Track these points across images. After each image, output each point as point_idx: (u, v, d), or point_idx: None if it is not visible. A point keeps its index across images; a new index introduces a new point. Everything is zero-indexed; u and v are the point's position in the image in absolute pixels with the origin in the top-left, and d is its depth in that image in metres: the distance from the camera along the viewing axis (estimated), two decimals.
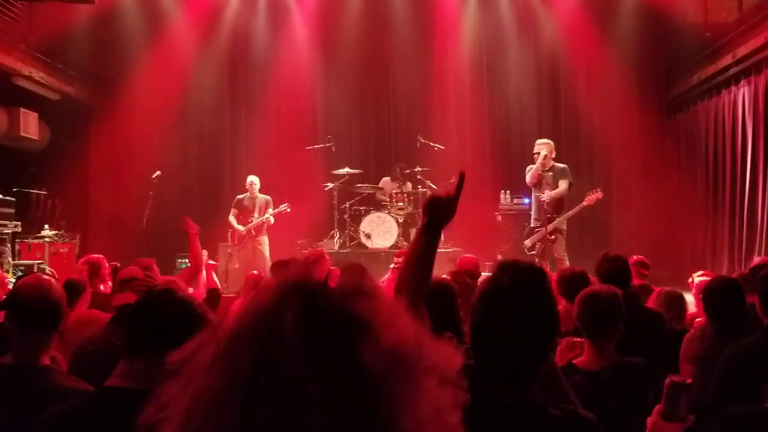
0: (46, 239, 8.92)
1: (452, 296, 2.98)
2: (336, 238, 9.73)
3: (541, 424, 1.50)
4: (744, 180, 8.73)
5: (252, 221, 8.93)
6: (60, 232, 9.34)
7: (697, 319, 3.94)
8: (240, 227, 8.98)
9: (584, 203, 7.95)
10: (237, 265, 8.98)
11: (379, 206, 9.88)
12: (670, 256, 9.88)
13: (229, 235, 9.14)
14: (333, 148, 10.21)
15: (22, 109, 9.27)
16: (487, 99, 11.45)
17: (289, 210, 8.98)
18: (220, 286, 5.62)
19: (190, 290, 4.14)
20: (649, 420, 1.82)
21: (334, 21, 11.17)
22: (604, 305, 2.62)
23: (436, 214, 1.85)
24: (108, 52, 10.92)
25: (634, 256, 5.12)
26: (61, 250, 8.92)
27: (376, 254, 9.13)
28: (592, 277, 3.86)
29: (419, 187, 9.79)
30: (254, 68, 11.45)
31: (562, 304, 3.42)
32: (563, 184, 7.89)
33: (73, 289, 3.59)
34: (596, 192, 7.93)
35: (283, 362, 0.73)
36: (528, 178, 8.00)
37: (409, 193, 9.78)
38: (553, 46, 11.18)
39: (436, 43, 11.30)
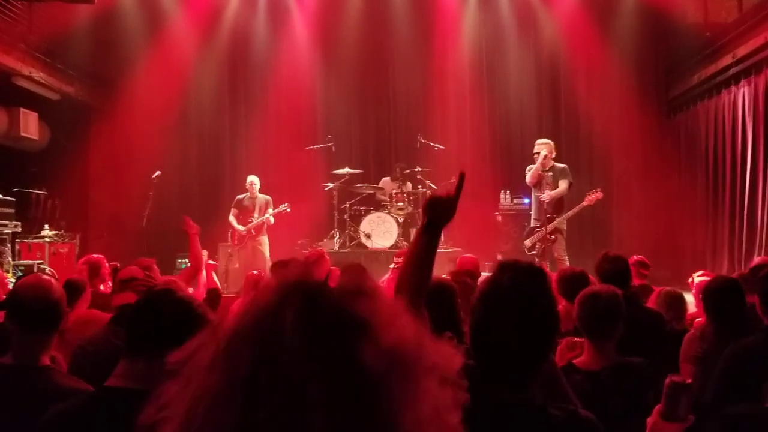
0: (46, 239, 8.92)
1: (452, 296, 2.98)
2: (336, 238, 9.73)
3: (541, 424, 1.50)
4: (744, 180, 8.73)
5: (252, 221, 8.93)
6: (60, 232, 9.34)
7: (697, 319, 3.94)
8: (240, 227, 8.97)
9: (584, 203, 7.95)
10: (237, 265, 8.98)
11: (379, 206, 9.88)
12: (670, 256, 9.88)
13: (229, 235, 9.14)
14: (333, 148, 10.21)
15: (22, 109, 9.27)
16: (487, 99, 11.45)
17: (289, 210, 8.98)
18: (220, 286, 5.62)
19: (190, 290, 4.14)
20: (649, 420, 1.82)
21: (334, 21, 11.17)
22: (604, 305, 2.62)
23: (436, 214, 1.84)
24: (108, 52, 10.92)
25: (634, 256, 5.12)
26: (61, 250, 8.93)
27: (376, 254, 9.13)
28: (592, 277, 3.86)
29: (419, 187, 9.78)
30: (254, 68, 11.45)
31: (562, 304, 3.42)
32: (563, 184, 7.89)
33: (73, 289, 3.59)
34: (596, 192, 7.93)
35: (283, 362, 0.73)
36: (528, 178, 8.00)
37: (409, 193, 9.78)
38: (553, 46, 11.18)
39: (436, 43, 11.30)
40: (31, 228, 9.32)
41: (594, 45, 10.87)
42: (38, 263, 8.24)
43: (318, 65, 11.40)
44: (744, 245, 8.70)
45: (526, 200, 9.36)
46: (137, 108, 10.76)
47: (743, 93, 8.90)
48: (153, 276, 3.49)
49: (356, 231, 9.60)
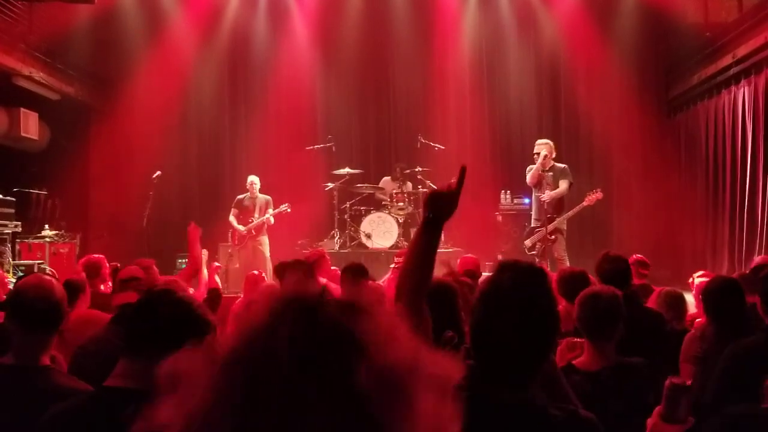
0: (47, 239, 8.92)
1: (453, 296, 2.97)
2: (336, 238, 9.74)
3: (541, 424, 1.50)
4: (744, 180, 8.73)
5: (252, 221, 8.93)
6: (60, 232, 9.35)
7: (698, 320, 3.94)
8: (240, 227, 8.97)
9: (584, 203, 7.95)
10: (237, 265, 8.98)
11: (379, 206, 9.88)
12: (670, 256, 9.88)
13: (230, 235, 9.14)
14: (333, 148, 10.21)
15: (22, 109, 9.27)
16: (487, 99, 11.45)
17: (289, 210, 8.98)
18: (221, 287, 5.62)
19: (191, 291, 4.14)
20: (649, 421, 1.82)
21: (334, 21, 11.17)
22: (604, 306, 2.62)
23: (438, 209, 1.83)
24: (108, 52, 10.92)
25: (634, 256, 5.11)
26: (61, 250, 8.93)
27: (377, 254, 9.13)
28: (592, 277, 3.86)
29: (419, 187, 9.78)
30: (254, 68, 11.45)
31: (562, 305, 3.42)
32: (563, 184, 7.89)
33: (72, 289, 3.59)
34: (596, 192, 7.94)
35: (277, 381, 0.72)
36: (528, 178, 8.00)
37: (409, 193, 9.78)
38: (553, 46, 11.17)
39: (436, 43, 11.30)
40: (32, 228, 9.32)
41: (594, 45, 10.86)
42: (38, 263, 8.24)
43: (318, 65, 11.40)
44: (744, 245, 8.70)
45: (527, 200, 9.37)
46: (137, 108, 10.76)
47: (743, 93, 8.90)
48: (154, 276, 3.50)
49: (356, 231, 9.60)
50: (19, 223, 8.63)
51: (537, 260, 7.38)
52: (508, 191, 10.13)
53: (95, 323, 3.28)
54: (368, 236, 9.43)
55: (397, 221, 9.44)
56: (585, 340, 2.68)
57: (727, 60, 9.09)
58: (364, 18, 11.18)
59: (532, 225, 8.14)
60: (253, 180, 9.07)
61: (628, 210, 10.82)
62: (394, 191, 9.79)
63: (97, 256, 4.94)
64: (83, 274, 4.39)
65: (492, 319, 1.54)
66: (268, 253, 8.93)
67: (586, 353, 2.65)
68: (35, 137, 9.63)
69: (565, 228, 7.96)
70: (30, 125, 9.46)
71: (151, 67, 10.82)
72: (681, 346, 3.38)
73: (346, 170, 9.86)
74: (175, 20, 11.06)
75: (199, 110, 11.40)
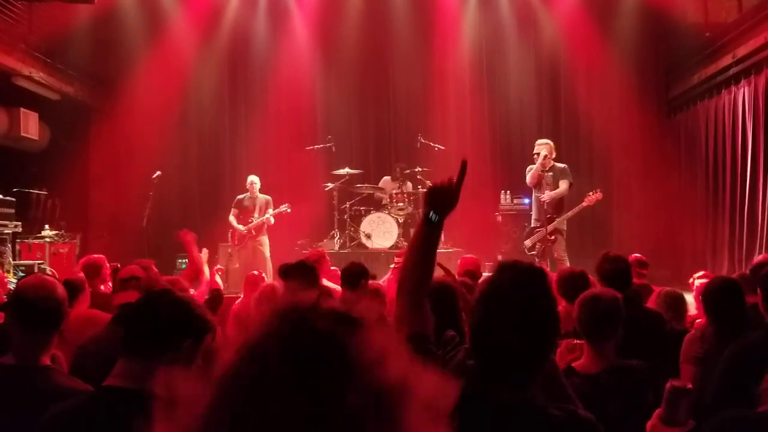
0: (47, 239, 8.92)
1: (454, 297, 2.98)
2: (336, 239, 9.74)
3: (541, 424, 1.50)
4: (744, 180, 8.73)
5: (252, 221, 8.93)
6: (60, 232, 9.34)
7: (698, 320, 3.94)
8: (240, 227, 8.97)
9: (584, 204, 7.96)
10: (237, 266, 8.98)
11: (379, 206, 9.88)
12: (670, 256, 9.88)
13: (230, 235, 9.14)
14: (333, 148, 10.21)
15: (22, 110, 9.27)
16: (487, 99, 11.45)
17: (289, 210, 8.97)
18: (222, 287, 5.63)
19: (192, 291, 4.14)
20: (649, 423, 1.82)
21: (334, 21, 11.17)
22: (604, 308, 2.62)
23: (438, 204, 1.82)
24: (108, 52, 10.91)
25: (632, 256, 5.11)
26: (61, 251, 8.92)
27: (377, 254, 9.13)
28: (592, 278, 3.86)
29: (419, 187, 9.78)
30: (254, 68, 11.45)
31: (561, 305, 3.42)
32: (563, 185, 7.89)
33: (72, 289, 3.58)
34: (596, 193, 7.94)
35: (268, 397, 0.72)
36: (528, 178, 8.00)
37: (409, 194, 9.79)
38: (553, 46, 11.17)
39: (436, 43, 11.29)
40: (32, 228, 9.31)
41: (594, 45, 10.86)
42: (39, 263, 8.23)
43: (318, 65, 11.40)
44: (744, 245, 8.70)
45: (526, 200, 9.37)
46: (137, 108, 10.76)
47: (743, 93, 8.90)
48: (156, 275, 3.50)
49: (356, 231, 9.61)
50: (20, 223, 8.63)
51: (537, 260, 7.38)
52: (508, 191, 10.13)
53: (95, 322, 3.28)
54: (368, 236, 9.43)
55: (397, 221, 9.44)
56: (584, 342, 2.68)
57: (727, 60, 9.09)
58: (364, 18, 11.17)
59: (532, 225, 8.14)
60: (253, 180, 9.06)
61: (628, 210, 10.82)
62: (394, 191, 9.79)
63: (97, 256, 4.94)
64: (81, 274, 4.39)
65: (492, 320, 1.54)
66: (268, 253, 8.92)
67: (586, 355, 2.65)
68: (35, 137, 9.63)
69: (565, 228, 7.96)
70: (30, 125, 9.46)
71: (151, 67, 10.81)
72: (681, 346, 3.37)
73: (346, 170, 9.87)
74: (175, 20, 11.06)
75: (199, 110, 11.40)
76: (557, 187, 7.86)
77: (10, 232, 8.39)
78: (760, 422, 1.77)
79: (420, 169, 9.72)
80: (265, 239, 8.99)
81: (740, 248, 8.81)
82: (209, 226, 9.73)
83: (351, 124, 11.50)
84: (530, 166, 8.03)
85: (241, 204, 9.07)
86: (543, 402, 1.53)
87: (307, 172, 10.23)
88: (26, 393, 2.06)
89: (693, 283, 4.80)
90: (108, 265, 4.84)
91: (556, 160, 8.10)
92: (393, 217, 9.47)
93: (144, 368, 1.75)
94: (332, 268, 5.76)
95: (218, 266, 6.00)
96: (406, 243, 8.89)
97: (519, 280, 1.56)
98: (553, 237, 7.73)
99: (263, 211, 8.95)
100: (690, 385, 1.92)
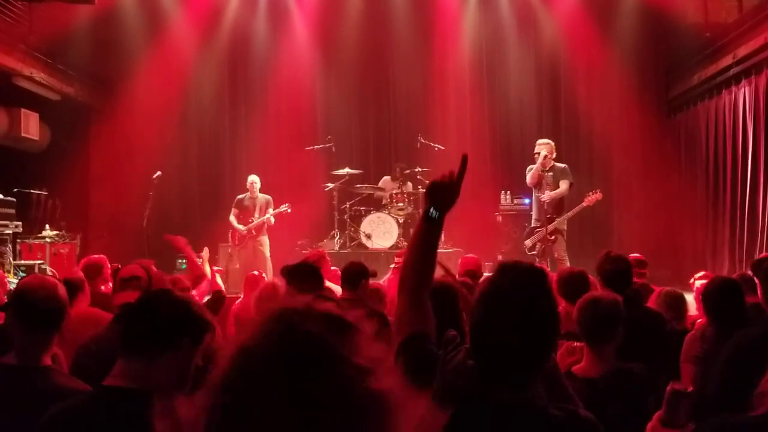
0: (47, 239, 8.92)
1: (454, 297, 2.98)
2: (336, 239, 9.74)
3: (541, 424, 1.50)
4: (744, 180, 8.73)
5: (252, 221, 8.93)
6: (61, 233, 9.34)
7: (698, 320, 3.94)
8: (240, 227, 8.97)
9: (584, 204, 7.96)
10: (237, 266, 8.97)
11: (379, 206, 9.88)
12: (670, 256, 9.89)
13: (230, 235, 9.14)
14: (333, 149, 10.21)
15: (22, 110, 9.27)
16: (487, 99, 11.45)
17: (289, 210, 8.97)
18: (224, 289, 5.63)
19: (193, 292, 4.14)
20: (649, 425, 1.82)
21: (334, 21, 11.17)
22: (604, 311, 2.63)
23: (438, 199, 1.81)
24: (108, 52, 10.91)
25: (630, 255, 5.10)
26: (61, 251, 8.92)
27: (377, 254, 9.13)
28: (593, 278, 3.86)
29: (419, 187, 9.78)
30: (254, 68, 11.45)
31: (561, 305, 3.42)
32: (564, 185, 7.89)
33: (71, 287, 3.58)
34: (596, 193, 7.94)
35: (260, 402, 0.73)
36: (528, 178, 8.00)
37: (409, 194, 9.79)
38: (553, 46, 11.17)
39: (436, 43, 11.29)
40: (32, 228, 9.31)
41: (594, 45, 10.86)
42: (39, 263, 8.23)
43: (318, 65, 11.40)
44: (745, 245, 8.70)
45: (527, 200, 9.37)
46: (137, 108, 10.76)
47: (743, 93, 8.90)
48: (158, 274, 3.50)
49: (356, 231, 9.61)
50: (20, 223, 8.63)
51: (537, 260, 7.39)
52: (508, 191, 10.13)
53: (94, 321, 3.28)
54: (368, 236, 9.43)
55: (397, 221, 9.44)
56: (584, 345, 2.68)
57: (727, 60, 9.08)
58: (364, 18, 11.17)
59: (532, 225, 8.14)
60: (254, 180, 9.06)
61: (628, 210, 10.82)
62: (394, 191, 9.79)
63: (98, 256, 4.94)
64: (80, 273, 4.39)
65: (492, 320, 1.54)
66: (268, 253, 8.92)
67: (586, 358, 2.65)
68: (36, 137, 9.64)
69: (565, 228, 7.96)
70: (30, 125, 9.47)
71: (151, 67, 10.81)
72: (681, 346, 3.38)
73: (346, 170, 9.87)
74: (175, 20, 11.06)
75: (199, 110, 11.40)
76: (557, 187, 7.86)
77: (11, 232, 8.39)
78: (754, 427, 1.77)
79: (420, 169, 9.72)
80: (265, 239, 8.99)
81: (740, 248, 8.81)
82: (209, 226, 9.74)
83: (351, 124, 11.50)
84: (530, 166, 8.03)
85: (241, 204, 9.07)
86: (543, 402, 1.53)
87: (307, 172, 10.23)
88: (27, 393, 2.06)
89: (693, 284, 4.80)
90: (109, 265, 4.84)
91: (556, 160, 8.10)
92: (393, 217, 9.48)
93: (143, 368, 1.75)
94: (332, 268, 5.76)
95: (216, 267, 5.97)
96: (406, 243, 8.86)
97: (519, 281, 1.56)
98: (553, 237, 7.73)
99: (263, 211, 8.95)
100: (690, 387, 1.92)
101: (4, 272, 6.60)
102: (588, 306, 2.66)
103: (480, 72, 11.44)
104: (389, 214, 9.52)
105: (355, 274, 4.19)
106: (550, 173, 7.87)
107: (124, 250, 8.64)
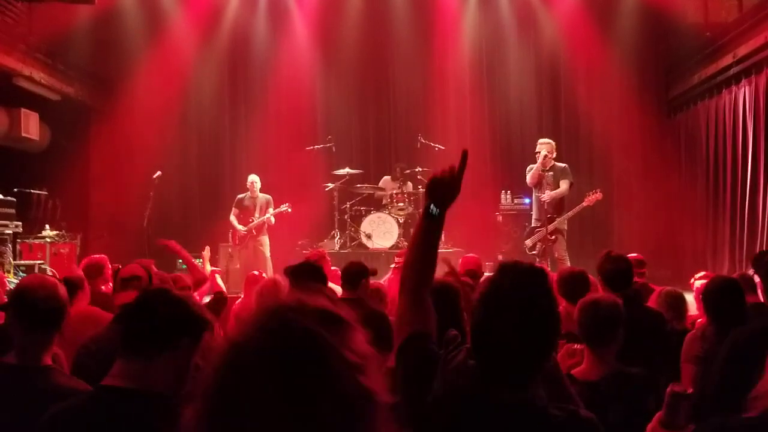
0: (47, 239, 8.92)
1: (455, 296, 2.97)
2: (336, 239, 9.74)
3: (541, 424, 1.50)
4: (745, 180, 8.73)
5: (253, 221, 8.93)
6: (61, 233, 9.34)
7: (699, 320, 3.94)
8: (241, 227, 8.97)
9: (584, 204, 7.96)
10: (238, 266, 8.97)
11: (379, 206, 9.88)
12: (670, 256, 9.89)
13: (230, 235, 9.14)
14: (333, 149, 10.22)
15: (22, 110, 9.27)
16: (487, 99, 11.45)
17: (289, 210, 8.97)
18: (225, 289, 5.63)
19: (195, 294, 4.14)
20: (649, 427, 1.81)
21: (334, 21, 11.17)
22: (605, 313, 2.63)
23: (439, 195, 1.81)
24: (108, 52, 10.91)
25: (629, 255, 5.10)
26: (62, 251, 8.92)
27: (377, 255, 9.13)
28: (593, 278, 3.86)
29: (419, 187, 9.78)
30: (254, 68, 11.45)
31: (562, 305, 3.42)
32: (564, 184, 7.89)
33: (70, 286, 3.58)
34: (596, 193, 7.94)
35: (254, 397, 0.74)
36: (528, 178, 8.00)
37: (409, 194, 9.79)
38: (553, 46, 11.17)
39: (436, 43, 11.29)
40: (32, 228, 9.31)
41: (594, 45, 10.86)
42: (39, 263, 8.24)
43: (318, 65, 11.40)
44: (745, 245, 8.70)
45: (527, 200, 9.37)
46: (137, 108, 10.76)
47: (744, 93, 8.89)
48: (160, 274, 3.50)
49: (357, 231, 9.61)
50: (20, 223, 8.63)
51: (537, 260, 7.39)
52: (509, 191, 10.13)
53: (94, 320, 3.28)
54: (368, 236, 9.44)
55: (397, 221, 9.44)
56: (585, 347, 2.68)
57: (727, 60, 9.08)
58: (364, 18, 11.17)
59: (533, 225, 8.14)
60: (254, 179, 9.06)
61: (628, 210, 10.82)
62: (394, 191, 9.79)
63: (99, 256, 4.93)
64: (80, 272, 4.39)
65: (492, 320, 1.54)
66: (268, 253, 8.92)
67: (586, 360, 2.65)
68: (36, 137, 9.64)
69: (566, 228, 7.96)
70: (30, 125, 9.47)
71: (151, 67, 10.81)
72: (681, 345, 3.38)
73: (346, 170, 9.87)
74: (175, 20, 11.05)
75: (199, 110, 11.40)
76: (558, 186, 7.86)
77: (11, 232, 8.39)
78: (749, 429, 1.76)
79: (420, 169, 9.72)
80: (265, 239, 8.99)
81: (740, 248, 8.80)
82: (209, 226, 9.74)
83: (351, 124, 11.49)
84: (530, 166, 8.03)
85: (241, 204, 9.07)
86: (543, 402, 1.53)
87: (308, 172, 10.23)
88: (27, 393, 2.06)
89: (693, 284, 4.80)
90: (110, 265, 4.84)
91: (556, 159, 8.10)
92: (393, 217, 9.48)
93: (142, 368, 1.75)
94: (333, 268, 5.76)
95: (215, 268, 5.95)
96: (406, 243, 8.88)
97: (519, 281, 1.55)
98: (553, 237, 7.73)
99: (264, 211, 8.95)
100: (690, 389, 1.92)
101: (4, 272, 6.60)
102: (588, 308, 2.66)
103: (480, 72, 11.44)
104: (389, 214, 9.52)
105: (356, 274, 4.19)
106: (551, 173, 7.87)
107: (124, 250, 8.64)
